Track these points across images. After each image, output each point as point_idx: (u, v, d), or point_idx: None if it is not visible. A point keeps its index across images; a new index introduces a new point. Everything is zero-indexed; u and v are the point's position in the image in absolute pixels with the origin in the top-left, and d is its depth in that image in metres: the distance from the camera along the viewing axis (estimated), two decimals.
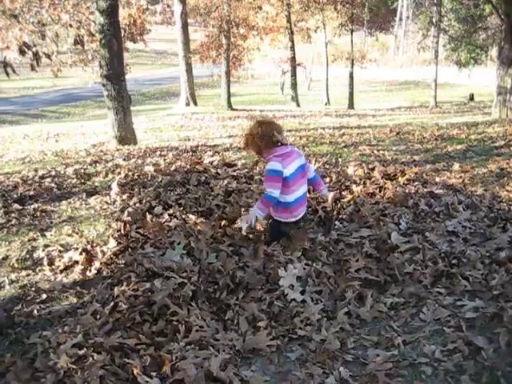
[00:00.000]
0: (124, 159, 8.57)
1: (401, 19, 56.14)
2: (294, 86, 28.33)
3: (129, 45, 21.28)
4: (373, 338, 3.24)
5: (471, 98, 29.19)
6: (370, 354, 3.07)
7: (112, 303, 3.38)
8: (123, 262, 4.02)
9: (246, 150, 4.65)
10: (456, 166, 7.34)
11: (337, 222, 4.69)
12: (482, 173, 7.04)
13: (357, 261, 3.97)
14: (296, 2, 26.31)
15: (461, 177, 6.68)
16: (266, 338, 3.16)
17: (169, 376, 2.73)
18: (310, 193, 4.98)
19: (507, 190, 6.03)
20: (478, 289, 3.69)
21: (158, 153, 9.33)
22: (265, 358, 3.08)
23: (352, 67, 28.78)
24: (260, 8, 25.59)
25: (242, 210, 4.85)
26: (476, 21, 27.16)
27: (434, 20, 27.40)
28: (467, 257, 4.05)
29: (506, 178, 6.66)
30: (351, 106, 28.18)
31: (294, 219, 4.30)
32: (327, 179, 5.95)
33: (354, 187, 5.56)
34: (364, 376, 2.86)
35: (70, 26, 15.02)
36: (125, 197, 5.79)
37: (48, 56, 10.67)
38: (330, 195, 4.77)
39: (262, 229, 4.52)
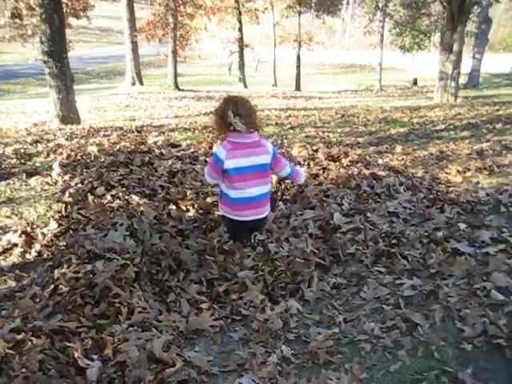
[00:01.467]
0: (66, 139, 8.34)
1: (348, 3, 56.59)
2: (241, 66, 28.18)
3: (71, 21, 20.60)
4: (315, 317, 3.30)
5: (415, 82, 29.79)
6: (311, 333, 3.12)
7: (52, 286, 3.30)
8: (64, 243, 3.93)
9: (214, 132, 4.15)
10: (398, 149, 7.52)
11: (280, 203, 4.72)
12: (423, 155, 7.24)
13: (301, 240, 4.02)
14: None
15: (403, 159, 6.85)
16: (208, 319, 3.17)
17: (111, 358, 2.70)
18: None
19: (446, 173, 6.24)
20: (416, 267, 3.80)
21: (102, 133, 9.12)
22: (208, 338, 3.09)
23: (299, 49, 28.86)
24: None
25: (188, 191, 4.81)
26: (420, 7, 27.66)
27: (379, 5, 27.74)
28: (406, 237, 4.17)
29: (445, 161, 6.88)
30: (298, 87, 28.31)
31: (238, 218, 3.75)
32: None
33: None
34: (306, 354, 2.90)
35: None
36: (67, 177, 5.64)
37: None
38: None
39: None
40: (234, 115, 3.44)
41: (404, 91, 25.39)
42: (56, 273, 3.44)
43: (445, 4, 15.64)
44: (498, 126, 9.44)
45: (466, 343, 2.92)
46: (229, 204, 3.71)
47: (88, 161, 6.25)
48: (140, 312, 3.11)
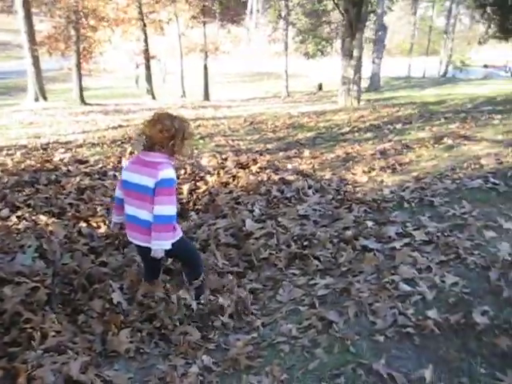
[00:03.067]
0: None
1: (251, 12, 57.45)
2: (148, 78, 27.83)
3: None
4: (234, 324, 3.34)
5: (320, 87, 30.64)
6: (231, 340, 3.15)
7: None
8: None
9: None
10: (306, 153, 7.73)
11: (193, 213, 4.73)
12: (330, 158, 7.48)
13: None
14: None
15: (311, 162, 7.05)
16: (125, 340, 3.10)
17: None
18: None
19: (352, 173, 6.48)
20: (329, 267, 3.94)
21: (5, 152, 8.71)
22: (127, 356, 3.04)
23: (206, 59, 28.94)
24: None
25: (98, 208, 4.71)
26: (320, 15, 28.61)
27: (282, 14, 28.39)
28: (317, 238, 4.30)
29: (351, 162, 7.14)
30: (207, 97, 28.35)
31: (128, 238, 3.46)
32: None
33: (208, 177, 5.64)
34: (226, 361, 2.93)
35: None
36: None
37: None
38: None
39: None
40: (141, 134, 3.30)
41: (310, 96, 26.06)
42: None
43: (343, 12, 16.26)
44: (398, 126, 9.93)
45: (379, 335, 3.05)
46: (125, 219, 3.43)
47: None
48: (54, 336, 3.01)
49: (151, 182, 3.13)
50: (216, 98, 28.58)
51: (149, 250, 3.23)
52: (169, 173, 3.16)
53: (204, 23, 28.47)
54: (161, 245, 3.18)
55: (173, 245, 3.26)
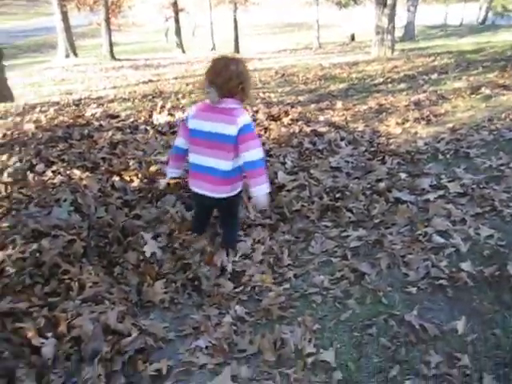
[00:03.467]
0: (1, 118, 8.02)
1: None
2: (178, 32, 27.65)
3: None
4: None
5: (352, 38, 29.95)
6: (263, 291, 3.19)
7: None
8: (7, 224, 3.82)
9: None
10: (339, 104, 7.61)
11: None
12: (363, 110, 7.35)
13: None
14: None
15: (343, 114, 6.94)
16: (160, 291, 3.16)
17: (65, 334, 2.68)
18: None
19: (385, 125, 6.37)
20: (361, 219, 3.92)
21: (38, 109, 8.80)
22: (162, 306, 3.11)
23: (235, 10, 28.47)
24: None
25: (130, 162, 4.75)
26: None
27: None
28: (350, 190, 4.27)
29: (384, 114, 7.01)
30: (237, 50, 28.03)
31: (191, 187, 3.37)
32: None
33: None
34: (259, 311, 2.97)
35: None
36: (4, 157, 5.44)
37: None
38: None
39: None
40: (210, 84, 3.04)
41: (342, 47, 25.52)
42: (1, 255, 3.35)
43: None
44: (434, 76, 9.66)
45: (411, 287, 3.06)
46: (189, 170, 3.32)
47: (25, 139, 6.04)
48: (91, 286, 3.09)
49: (231, 129, 3.01)
50: (246, 50, 28.21)
51: (215, 200, 3.24)
52: (247, 118, 3.07)
53: None
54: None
55: (235, 196, 3.28)
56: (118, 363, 2.52)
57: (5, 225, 3.86)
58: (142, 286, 3.22)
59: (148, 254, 3.43)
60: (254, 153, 3.04)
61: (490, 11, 35.09)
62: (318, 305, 2.99)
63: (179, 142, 3.34)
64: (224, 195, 3.22)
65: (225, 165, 3.11)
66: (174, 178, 4.06)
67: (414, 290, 3.03)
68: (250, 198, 3.79)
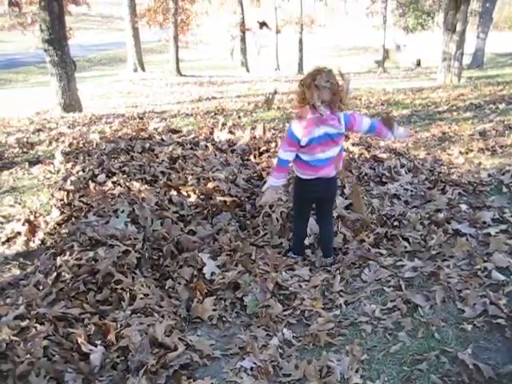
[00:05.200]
0: (68, 127, 8.33)
1: None
2: (243, 51, 28.02)
3: (71, 8, 20.45)
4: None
5: (418, 63, 29.52)
6: (313, 316, 3.14)
7: (55, 273, 3.31)
8: (66, 231, 3.95)
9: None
10: (402, 130, 7.47)
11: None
12: (425, 137, 7.21)
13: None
14: None
15: (404, 141, 6.82)
16: (209, 308, 3.18)
17: (114, 343, 2.73)
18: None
19: (448, 154, 6.22)
20: (417, 249, 3.82)
21: (104, 120, 9.10)
22: (209, 323, 3.12)
23: (301, 32, 28.63)
24: None
25: (189, 177, 4.81)
26: None
27: None
28: (408, 218, 4.17)
29: (447, 142, 6.85)
30: (301, 71, 28.11)
31: (308, 176, 3.59)
32: (273, 144, 5.95)
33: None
34: (307, 336, 2.93)
35: None
36: (69, 166, 5.65)
37: None
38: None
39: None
40: (319, 100, 3.31)
41: (407, 72, 25.18)
42: (59, 260, 3.46)
43: None
44: (501, 106, 9.37)
45: (467, 323, 2.94)
46: (303, 165, 3.56)
47: (90, 148, 6.25)
48: (142, 298, 3.14)
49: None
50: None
51: (331, 180, 3.68)
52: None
53: None
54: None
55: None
56: (163, 377, 2.54)
57: (64, 231, 3.99)
58: (191, 302, 3.25)
59: (208, 275, 3.47)
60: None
61: None
62: (368, 334, 2.92)
63: (287, 155, 3.55)
64: None
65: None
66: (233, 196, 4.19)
67: (469, 327, 2.91)
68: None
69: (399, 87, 14.84)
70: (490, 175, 5.29)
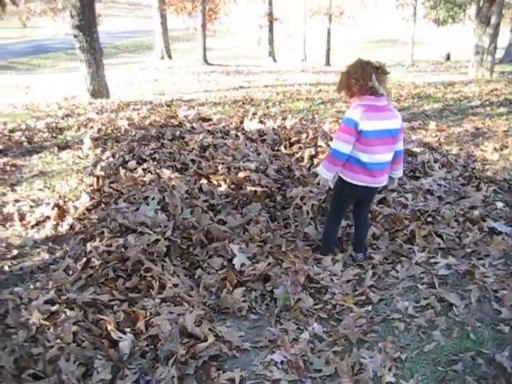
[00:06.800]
0: (97, 113, 8.36)
1: None
2: (271, 41, 27.88)
3: None
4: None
5: (448, 57, 29.04)
6: (344, 311, 3.09)
7: (85, 259, 3.32)
8: (96, 217, 3.95)
9: (339, 92, 3.55)
10: (432, 125, 7.35)
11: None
12: (458, 132, 7.06)
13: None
14: None
15: (436, 135, 6.70)
16: (239, 299, 3.14)
17: (143, 332, 2.71)
18: None
19: (482, 150, 6.08)
20: (452, 246, 3.73)
21: (132, 107, 9.12)
22: (239, 314, 3.08)
23: (330, 23, 28.35)
24: None
25: (219, 166, 4.77)
26: None
27: None
28: (442, 215, 4.08)
29: (480, 138, 6.70)
30: (328, 62, 27.88)
31: (359, 183, 3.35)
32: (303, 135, 5.88)
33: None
34: (338, 332, 2.87)
35: None
36: (98, 151, 5.67)
37: (14, 2, 10.10)
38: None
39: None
40: (377, 80, 3.25)
41: (437, 66, 24.78)
42: (88, 246, 3.47)
43: None
44: None
45: (503, 325, 2.87)
46: (356, 167, 3.31)
47: (118, 135, 6.27)
48: (171, 287, 3.12)
49: (399, 123, 3.33)
50: (338, 63, 28.03)
51: (376, 189, 3.56)
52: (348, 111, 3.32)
53: None
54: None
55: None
56: (192, 367, 2.52)
57: (94, 217, 3.99)
58: (221, 292, 3.22)
59: (238, 266, 3.43)
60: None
61: None
62: (401, 332, 2.86)
63: (348, 148, 3.29)
64: None
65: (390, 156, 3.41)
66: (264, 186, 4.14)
67: (506, 328, 2.84)
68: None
69: (429, 81, 14.59)
70: None
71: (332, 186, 3.56)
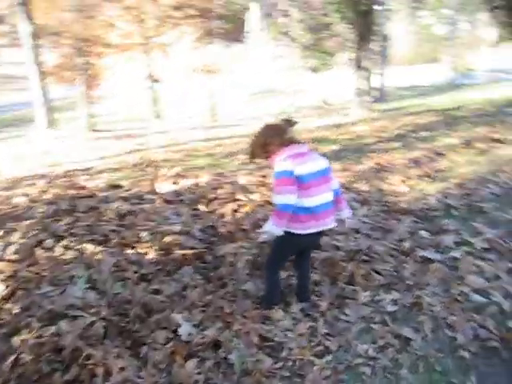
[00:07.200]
0: None
1: (252, 30, 57.65)
2: (155, 101, 27.95)
3: None
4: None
5: (326, 101, 30.54)
6: (305, 365, 2.99)
7: (12, 357, 2.95)
8: (18, 306, 3.57)
9: (252, 161, 3.64)
10: (337, 165, 7.55)
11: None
12: (361, 169, 7.29)
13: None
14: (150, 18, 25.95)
15: (344, 175, 6.87)
16: (192, 371, 2.94)
17: None
18: None
19: (388, 183, 6.31)
20: (392, 281, 3.79)
21: (26, 182, 8.57)
22: None
23: (211, 79, 28.96)
24: (113, 26, 24.87)
25: (142, 233, 4.56)
26: (322, 29, 28.58)
27: (284, 30, 28.36)
28: (375, 251, 4.15)
29: (383, 173, 6.96)
30: (213, 117, 28.34)
31: (304, 231, 3.26)
32: (220, 191, 5.79)
33: (250, 196, 5.49)
34: None
35: None
36: (0, 233, 5.20)
37: None
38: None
39: None
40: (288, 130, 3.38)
41: (319, 111, 25.97)
42: (16, 340, 3.11)
43: (352, 25, 16.22)
44: (423, 133, 9.75)
45: (462, 350, 2.92)
46: (302, 216, 3.21)
47: (19, 213, 5.82)
48: (118, 371, 2.86)
49: (326, 164, 3.35)
50: (224, 117, 28.57)
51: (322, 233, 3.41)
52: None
53: (208, 44, 28.53)
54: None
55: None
56: None
57: (16, 307, 3.61)
58: (171, 368, 3.00)
59: (185, 337, 3.22)
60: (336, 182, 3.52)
61: (455, 71, 36.29)
62: (368, 377, 2.82)
63: (293, 199, 3.20)
64: None
65: (331, 195, 3.38)
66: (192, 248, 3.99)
67: (465, 353, 2.88)
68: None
69: (318, 125, 15.13)
70: (437, 200, 5.41)
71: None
